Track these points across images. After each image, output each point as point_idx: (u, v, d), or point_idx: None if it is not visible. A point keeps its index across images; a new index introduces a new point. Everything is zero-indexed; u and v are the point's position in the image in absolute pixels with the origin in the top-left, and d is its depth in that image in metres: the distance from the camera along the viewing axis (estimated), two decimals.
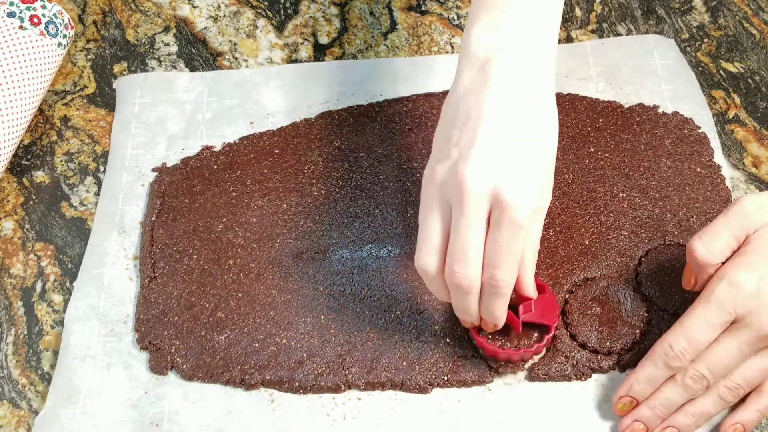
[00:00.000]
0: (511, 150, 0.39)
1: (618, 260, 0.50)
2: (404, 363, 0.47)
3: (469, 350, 0.47)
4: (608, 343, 0.47)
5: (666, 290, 0.49)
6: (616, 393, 0.44)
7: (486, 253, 0.39)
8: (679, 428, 0.43)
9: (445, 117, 0.43)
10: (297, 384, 0.47)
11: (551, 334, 0.45)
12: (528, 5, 0.42)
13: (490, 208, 0.39)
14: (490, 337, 0.45)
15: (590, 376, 0.47)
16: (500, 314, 0.42)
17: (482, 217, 0.39)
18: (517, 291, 0.44)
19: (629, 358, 0.46)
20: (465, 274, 0.39)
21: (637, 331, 0.47)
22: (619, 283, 0.49)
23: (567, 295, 0.49)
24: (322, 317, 0.49)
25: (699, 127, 0.56)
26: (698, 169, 0.54)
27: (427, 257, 0.41)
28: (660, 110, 0.57)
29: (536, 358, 0.46)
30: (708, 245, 0.42)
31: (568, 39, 0.64)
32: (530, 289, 0.44)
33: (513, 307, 0.44)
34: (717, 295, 0.41)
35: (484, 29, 0.42)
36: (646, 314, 0.48)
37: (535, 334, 0.45)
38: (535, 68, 0.41)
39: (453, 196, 0.39)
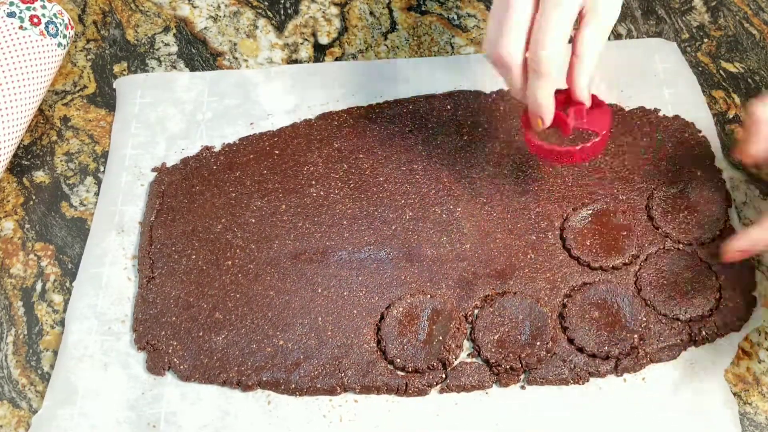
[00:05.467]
0: None
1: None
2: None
3: (467, 354, 0.48)
4: (606, 348, 0.46)
5: (666, 295, 0.49)
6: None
7: (531, 34, 0.41)
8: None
9: None
10: (293, 386, 0.47)
11: (597, 139, 0.46)
12: None
13: None
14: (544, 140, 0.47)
15: (588, 381, 0.46)
16: (542, 100, 0.43)
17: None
18: (570, 94, 0.45)
19: (627, 363, 0.46)
20: (505, 49, 0.42)
21: (636, 336, 0.47)
22: (618, 288, 0.49)
23: (565, 300, 0.49)
24: (320, 319, 0.49)
25: (700, 131, 0.56)
26: (699, 173, 0.54)
27: (488, 37, 0.43)
28: (661, 114, 0.57)
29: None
30: None
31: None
32: (582, 89, 0.44)
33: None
34: None
35: None
36: (645, 319, 0.48)
37: (586, 144, 0.46)
38: None
39: None
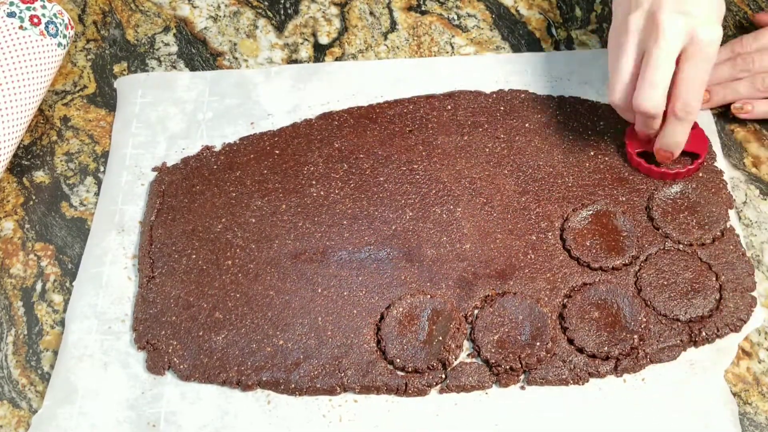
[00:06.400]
0: None
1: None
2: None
3: (467, 354, 0.48)
4: (606, 348, 0.46)
5: (666, 295, 0.48)
6: None
7: (678, 84, 0.48)
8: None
9: None
10: (293, 386, 0.47)
11: (701, 160, 0.53)
12: None
13: (684, 46, 0.47)
14: (646, 160, 0.53)
15: (588, 381, 0.46)
16: (683, 140, 0.51)
17: (675, 53, 0.47)
18: None
19: (627, 363, 0.46)
20: (653, 99, 0.48)
21: (636, 336, 0.47)
22: (618, 288, 0.49)
23: (565, 300, 0.49)
24: (320, 319, 0.49)
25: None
26: (699, 174, 0.54)
27: (618, 88, 0.50)
28: None
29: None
30: None
31: (569, 39, 0.64)
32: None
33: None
34: None
35: None
36: (645, 319, 0.47)
37: (686, 161, 0.53)
38: None
39: (650, 37, 0.48)
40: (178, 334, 0.49)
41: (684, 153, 0.53)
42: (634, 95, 0.49)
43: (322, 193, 0.55)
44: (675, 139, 0.50)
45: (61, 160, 0.59)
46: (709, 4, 0.48)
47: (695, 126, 0.54)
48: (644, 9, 0.49)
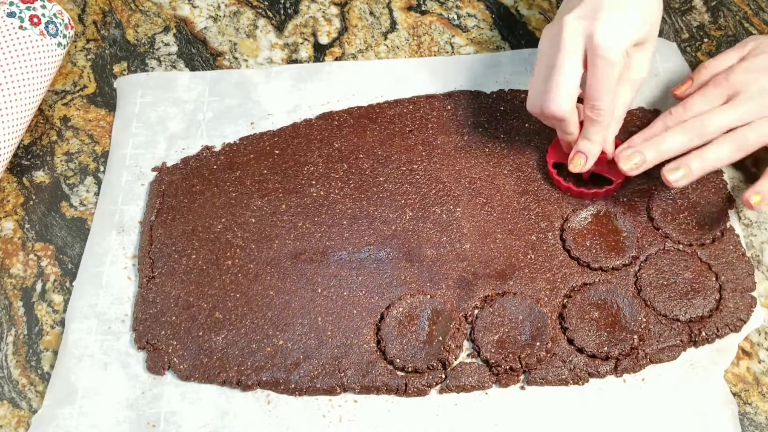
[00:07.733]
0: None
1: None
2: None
3: (467, 354, 0.48)
4: (606, 348, 0.47)
5: (666, 295, 0.49)
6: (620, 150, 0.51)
7: (586, 87, 0.48)
8: (690, 167, 0.48)
9: None
10: (293, 386, 0.47)
11: (613, 186, 0.52)
12: None
13: (585, 49, 0.47)
14: (565, 179, 0.53)
15: (587, 381, 0.46)
16: (596, 143, 0.50)
17: (575, 56, 0.47)
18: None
19: (627, 364, 0.46)
20: (556, 101, 0.48)
21: (636, 337, 0.47)
22: (618, 288, 0.49)
23: (565, 300, 0.49)
24: (320, 319, 0.49)
25: None
26: None
27: (531, 93, 0.50)
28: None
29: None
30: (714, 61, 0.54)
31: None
32: (609, 141, 0.51)
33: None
34: (716, 80, 0.51)
35: None
36: (645, 319, 0.48)
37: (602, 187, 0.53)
38: None
39: (554, 41, 0.48)
40: (178, 334, 0.49)
41: (602, 178, 0.53)
42: (542, 99, 0.48)
43: (322, 193, 0.55)
44: (588, 139, 0.50)
45: (61, 160, 0.59)
46: (622, 11, 0.46)
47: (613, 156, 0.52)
48: (560, 16, 0.48)
